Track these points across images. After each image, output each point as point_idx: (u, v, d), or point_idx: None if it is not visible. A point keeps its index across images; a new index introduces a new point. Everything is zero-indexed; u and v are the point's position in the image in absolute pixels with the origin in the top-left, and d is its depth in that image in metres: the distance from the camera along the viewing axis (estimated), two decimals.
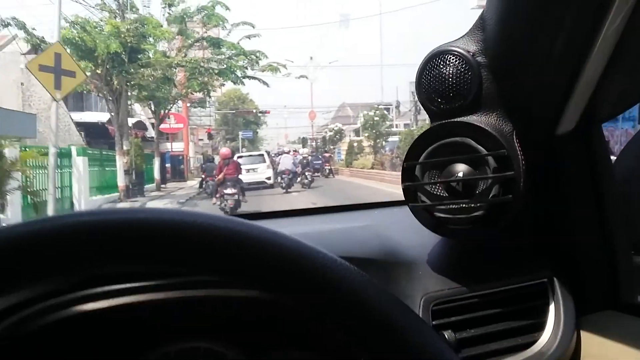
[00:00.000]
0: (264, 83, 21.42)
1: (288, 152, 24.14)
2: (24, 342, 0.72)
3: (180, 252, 0.38)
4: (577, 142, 0.83)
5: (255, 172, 20.47)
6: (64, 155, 12.95)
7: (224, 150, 14.21)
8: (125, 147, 16.41)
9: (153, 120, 25.39)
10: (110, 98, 16.27)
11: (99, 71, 15.55)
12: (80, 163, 13.56)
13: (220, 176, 12.90)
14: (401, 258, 0.85)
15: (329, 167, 27.23)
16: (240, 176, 14.52)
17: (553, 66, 0.72)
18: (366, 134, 31.87)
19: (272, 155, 27.20)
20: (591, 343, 0.80)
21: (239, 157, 19.73)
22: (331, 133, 42.89)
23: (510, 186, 0.73)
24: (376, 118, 30.62)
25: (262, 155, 23.00)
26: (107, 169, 16.04)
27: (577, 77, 0.73)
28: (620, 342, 0.76)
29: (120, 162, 15.82)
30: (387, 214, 1.24)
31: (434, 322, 0.77)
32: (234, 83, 20.37)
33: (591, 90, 0.75)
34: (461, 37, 0.79)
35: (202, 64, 18.77)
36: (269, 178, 21.04)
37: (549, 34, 0.68)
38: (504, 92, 0.76)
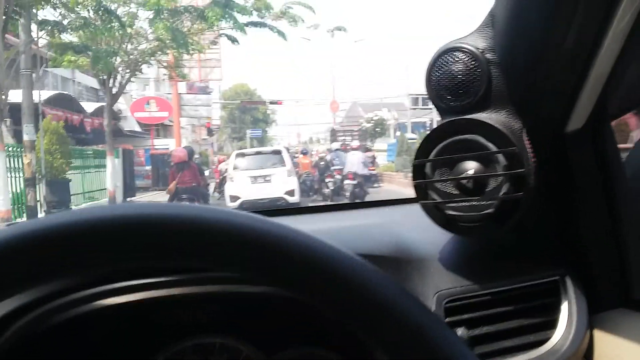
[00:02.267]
0: (280, 34, 14.74)
1: (353, 147, 15.71)
2: (42, 337, 0.73)
3: (198, 248, 0.38)
4: (587, 139, 0.82)
5: (267, 181, 12.65)
6: None
7: (178, 151, 10.19)
8: (26, 137, 10.18)
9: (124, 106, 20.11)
10: None
11: None
12: None
13: (171, 186, 9.42)
14: (413, 255, 0.85)
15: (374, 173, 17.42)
16: (233, 188, 12.18)
17: (562, 63, 0.72)
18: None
19: (295, 154, 19.62)
20: (604, 341, 0.80)
21: (239, 155, 14.08)
22: (369, 124, 33.43)
23: (520, 183, 0.73)
24: None
25: (279, 153, 13.78)
26: None
27: (587, 74, 0.73)
28: (633, 340, 0.76)
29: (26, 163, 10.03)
30: (398, 212, 1.24)
31: (446, 320, 0.77)
32: (232, 41, 14.47)
33: (601, 87, 0.75)
34: (470, 34, 0.79)
35: None
36: (291, 193, 12.60)
37: (559, 30, 0.68)
38: (513, 89, 0.76)
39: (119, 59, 13.93)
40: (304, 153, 17.73)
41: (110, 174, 14.03)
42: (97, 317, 0.75)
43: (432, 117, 28.16)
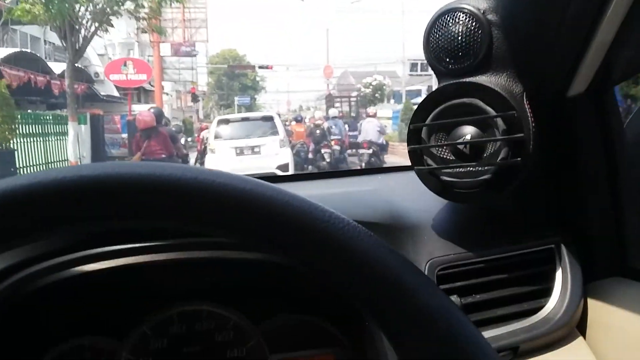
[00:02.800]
0: None
1: (369, 115, 14.41)
2: (24, 302, 0.71)
3: (188, 208, 0.36)
4: (589, 105, 0.80)
5: (255, 153, 10.77)
6: None
7: (143, 114, 8.01)
8: None
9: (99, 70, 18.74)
10: None
11: None
12: None
13: (136, 157, 7.90)
14: (406, 222, 0.84)
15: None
16: (214, 162, 10.05)
17: (567, 25, 0.70)
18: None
19: (286, 122, 16.61)
20: (598, 309, 0.79)
21: (221, 121, 11.68)
22: (368, 90, 30.49)
23: (519, 149, 0.71)
24: None
25: (271, 120, 11.73)
26: None
27: (591, 38, 0.71)
28: (627, 308, 0.75)
29: None
30: (392, 179, 1.22)
31: (439, 287, 0.76)
32: None
33: (605, 51, 0.73)
34: None
35: None
36: (284, 167, 10.72)
37: None
38: (515, 52, 0.74)
39: (82, 9, 12.05)
40: (298, 120, 15.38)
41: (72, 142, 11.97)
42: (79, 283, 0.73)
43: (429, 85, 26.23)
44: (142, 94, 25.47)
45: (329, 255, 0.38)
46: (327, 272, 0.38)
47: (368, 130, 12.64)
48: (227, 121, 11.79)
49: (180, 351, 0.79)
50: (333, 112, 15.59)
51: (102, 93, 19.30)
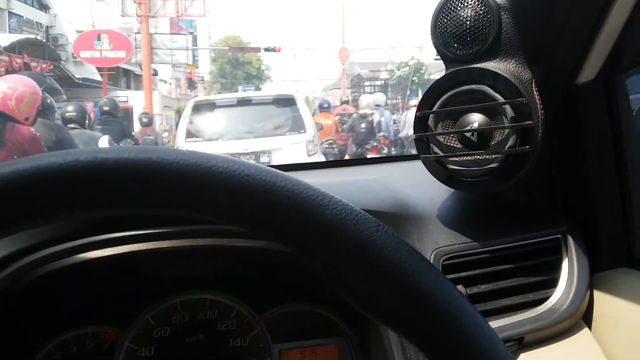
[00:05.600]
0: None
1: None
2: (26, 290, 0.70)
3: (169, 189, 0.35)
4: (599, 92, 0.79)
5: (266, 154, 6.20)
6: None
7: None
8: None
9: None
10: None
11: None
12: None
13: None
14: (411, 211, 0.82)
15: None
16: None
17: (578, 10, 0.69)
18: None
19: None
20: (604, 300, 0.79)
21: (200, 107, 6.77)
22: (401, 72, 24.48)
23: (527, 137, 0.70)
24: None
25: (291, 102, 6.68)
26: None
27: (601, 24, 0.70)
28: (633, 300, 0.74)
29: None
30: (399, 168, 1.21)
31: None
32: None
33: (615, 38, 0.72)
34: None
35: None
36: None
37: None
38: (524, 37, 0.72)
39: None
40: (324, 108, 9.83)
41: None
42: (80, 271, 0.72)
43: None
44: (132, 79, 22.62)
45: (325, 242, 0.36)
46: (324, 260, 0.37)
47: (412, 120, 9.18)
48: (211, 106, 6.75)
49: (183, 340, 0.79)
50: (379, 98, 10.65)
51: (78, 76, 16.16)
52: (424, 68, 27.27)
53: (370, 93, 14.61)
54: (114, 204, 0.34)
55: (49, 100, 3.73)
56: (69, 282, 0.74)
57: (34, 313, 0.74)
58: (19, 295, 0.70)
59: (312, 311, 0.83)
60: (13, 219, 0.33)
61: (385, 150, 8.53)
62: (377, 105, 9.73)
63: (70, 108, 4.92)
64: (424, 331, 0.35)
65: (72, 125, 4.72)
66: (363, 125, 8.66)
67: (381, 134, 9.04)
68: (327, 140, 8.42)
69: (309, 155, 6.15)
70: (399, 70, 26.85)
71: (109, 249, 0.72)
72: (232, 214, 0.35)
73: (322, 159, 6.51)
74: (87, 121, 5.05)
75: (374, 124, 8.83)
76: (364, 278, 0.36)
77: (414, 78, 24.23)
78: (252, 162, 0.37)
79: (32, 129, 3.19)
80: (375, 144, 8.46)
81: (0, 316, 0.68)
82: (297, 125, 6.40)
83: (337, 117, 9.98)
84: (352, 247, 0.36)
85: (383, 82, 23.96)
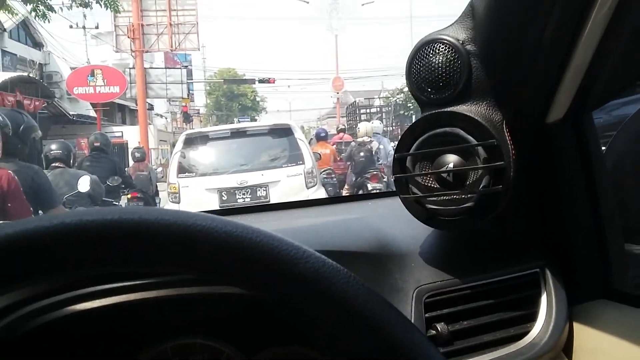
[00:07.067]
0: None
1: None
2: (17, 343, 0.71)
3: (151, 248, 0.37)
4: (568, 131, 0.82)
5: (260, 199, 5.94)
6: None
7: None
8: None
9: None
10: None
11: None
12: None
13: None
14: (394, 250, 0.84)
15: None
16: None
17: (543, 53, 0.72)
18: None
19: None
20: (583, 333, 0.80)
21: (192, 139, 6.44)
22: (398, 97, 24.25)
23: (500, 176, 0.73)
24: None
25: (289, 133, 6.44)
26: None
27: (567, 64, 0.73)
28: (611, 331, 0.76)
29: None
30: (380, 205, 1.23)
31: (426, 315, 0.76)
32: None
33: (581, 77, 0.75)
34: (451, 25, 0.78)
35: None
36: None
37: (539, 21, 0.68)
38: (493, 81, 0.75)
39: None
40: (321, 137, 9.58)
41: None
42: (70, 323, 0.73)
43: None
44: (127, 114, 22.57)
45: (297, 294, 0.39)
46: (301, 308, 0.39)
47: None
48: (205, 139, 6.48)
49: None
50: (377, 125, 10.70)
51: (72, 112, 15.92)
52: None
53: (368, 120, 14.22)
54: (89, 265, 0.37)
55: (32, 136, 3.50)
56: (59, 335, 0.75)
57: None
58: (10, 349, 0.71)
59: (301, 353, 0.84)
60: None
61: (386, 179, 8.12)
62: (376, 133, 9.38)
63: (54, 147, 4.69)
64: None
65: (57, 164, 4.59)
66: (362, 153, 8.41)
67: (380, 162, 8.65)
68: (325, 170, 8.24)
69: (308, 188, 5.98)
70: (393, 97, 26.75)
71: (97, 300, 0.72)
72: (211, 272, 0.38)
73: (322, 190, 6.36)
74: (71, 160, 4.83)
75: (373, 152, 8.54)
76: (334, 325, 0.39)
77: (409, 105, 23.91)
78: (228, 218, 0.40)
79: (9, 172, 2.93)
80: (375, 172, 8.14)
81: None
82: (295, 157, 6.18)
83: (335, 146, 9.81)
84: (326, 298, 0.39)
85: (378, 109, 23.85)
